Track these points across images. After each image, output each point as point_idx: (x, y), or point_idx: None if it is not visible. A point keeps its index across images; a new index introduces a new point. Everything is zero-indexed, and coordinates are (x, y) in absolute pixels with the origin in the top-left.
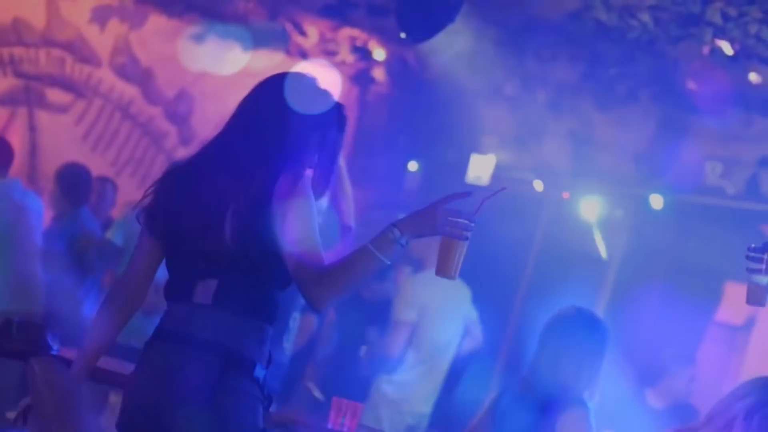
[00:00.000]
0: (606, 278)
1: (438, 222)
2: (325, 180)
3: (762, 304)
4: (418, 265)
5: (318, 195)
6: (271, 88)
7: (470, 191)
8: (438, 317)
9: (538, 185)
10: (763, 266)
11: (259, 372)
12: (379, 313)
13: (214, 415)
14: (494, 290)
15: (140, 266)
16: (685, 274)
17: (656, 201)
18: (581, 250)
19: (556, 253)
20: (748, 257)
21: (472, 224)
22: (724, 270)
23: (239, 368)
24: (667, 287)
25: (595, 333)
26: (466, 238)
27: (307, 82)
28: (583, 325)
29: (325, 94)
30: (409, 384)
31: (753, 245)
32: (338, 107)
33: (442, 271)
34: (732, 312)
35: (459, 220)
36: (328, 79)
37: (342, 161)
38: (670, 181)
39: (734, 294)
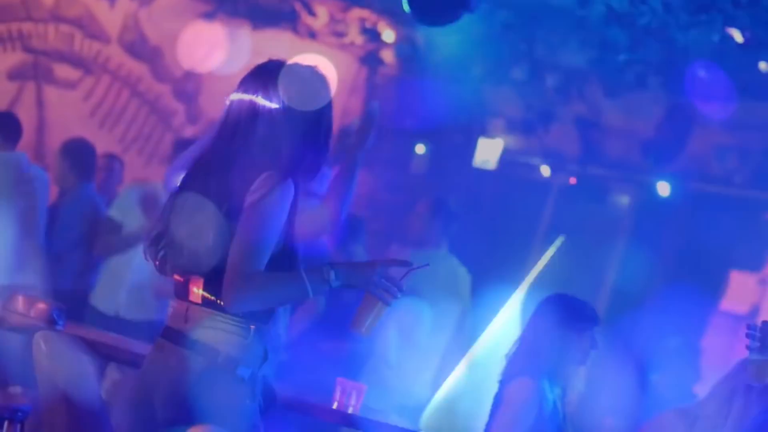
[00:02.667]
0: (612, 264)
1: (371, 281)
2: (312, 172)
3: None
4: (414, 244)
5: (305, 185)
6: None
7: (427, 264)
8: (430, 299)
9: (545, 170)
10: (758, 344)
11: (243, 371)
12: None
13: (196, 414)
14: (499, 275)
15: None
16: (690, 262)
17: (663, 188)
18: (588, 235)
19: (565, 244)
20: (746, 335)
21: (400, 294)
22: (729, 259)
23: (221, 367)
24: (672, 275)
25: (568, 319)
26: (389, 304)
27: (302, 73)
28: (556, 309)
29: (320, 87)
30: (404, 366)
31: (750, 323)
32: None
33: (355, 325)
34: (737, 301)
35: (390, 286)
36: (325, 65)
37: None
38: (678, 168)
39: (739, 283)
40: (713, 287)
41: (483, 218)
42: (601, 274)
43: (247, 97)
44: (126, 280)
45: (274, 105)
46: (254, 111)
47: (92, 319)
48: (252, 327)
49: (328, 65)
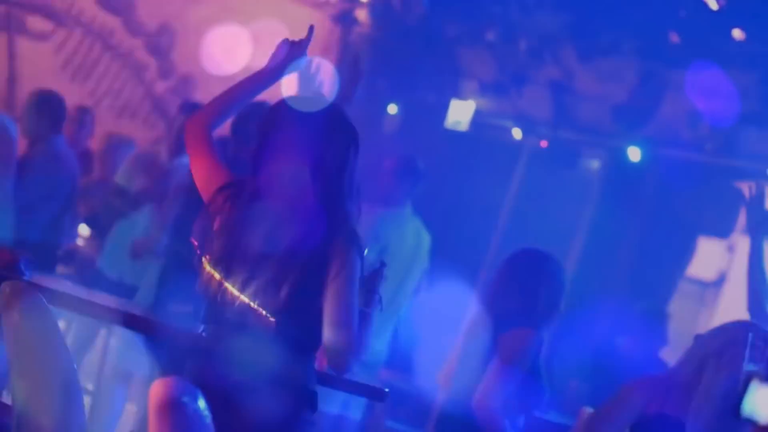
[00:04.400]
0: (581, 228)
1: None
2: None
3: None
4: (380, 203)
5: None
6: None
7: None
8: (395, 258)
9: (517, 133)
10: (758, 354)
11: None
12: None
13: None
14: (467, 238)
15: None
16: (659, 228)
17: (634, 153)
18: (558, 198)
19: (533, 201)
20: (750, 344)
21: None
22: (698, 225)
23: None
24: (640, 240)
25: (542, 269)
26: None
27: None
28: (529, 260)
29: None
30: None
31: (759, 331)
32: None
33: None
34: (704, 267)
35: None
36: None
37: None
38: (649, 134)
39: (707, 249)
40: (681, 253)
41: (452, 180)
42: (570, 238)
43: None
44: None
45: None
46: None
47: (98, 283)
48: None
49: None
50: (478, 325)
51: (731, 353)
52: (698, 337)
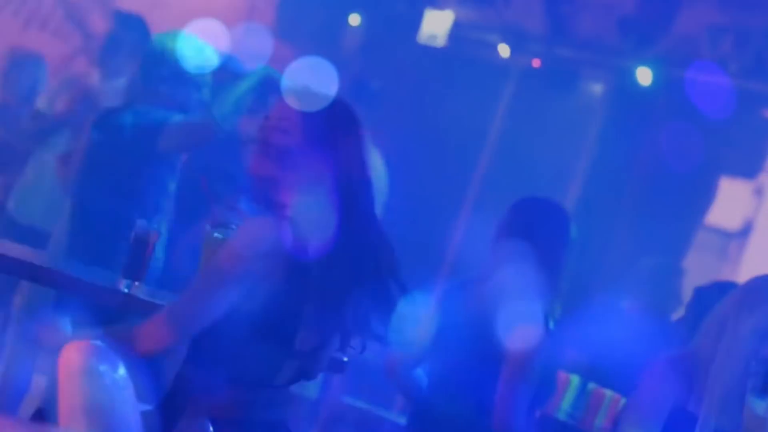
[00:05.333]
0: (579, 166)
1: None
2: None
3: None
4: None
5: None
6: None
7: None
8: None
9: (504, 50)
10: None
11: None
12: None
13: None
14: (442, 178)
15: None
16: (672, 167)
17: (644, 75)
18: (552, 130)
19: (522, 133)
20: (751, 372)
21: None
22: (720, 163)
23: None
24: (650, 182)
25: (555, 219)
26: None
27: None
28: (542, 210)
29: None
30: None
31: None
32: None
33: None
34: (726, 214)
35: None
36: None
37: None
38: (663, 52)
39: (730, 193)
40: (699, 198)
41: (424, 110)
42: (566, 178)
43: None
44: (44, 186)
45: None
46: None
47: (6, 229)
48: None
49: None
50: (469, 300)
51: (758, 314)
52: (699, 291)
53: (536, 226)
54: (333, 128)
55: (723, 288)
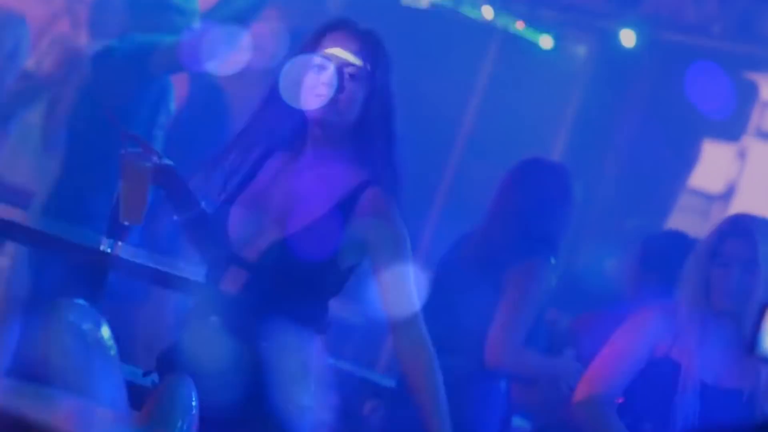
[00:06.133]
0: (562, 129)
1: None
2: None
3: None
4: None
5: None
6: None
7: None
8: None
9: (487, 12)
10: None
11: None
12: None
13: None
14: (425, 142)
15: None
16: (656, 129)
17: (628, 37)
18: (535, 93)
19: (505, 96)
20: None
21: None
22: (703, 125)
23: None
24: (633, 143)
25: (560, 180)
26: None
27: None
28: (546, 171)
29: None
30: None
31: None
32: None
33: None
34: (710, 176)
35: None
36: None
37: None
38: (646, 14)
39: (713, 155)
40: (683, 160)
41: (408, 69)
42: (549, 140)
43: None
44: (29, 147)
45: None
46: None
47: None
48: None
49: None
50: (466, 256)
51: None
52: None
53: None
54: None
55: (672, 237)
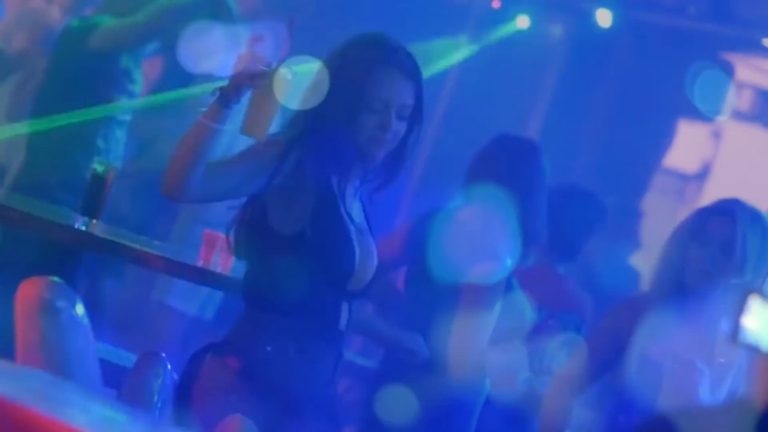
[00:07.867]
0: (537, 108)
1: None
2: None
3: None
4: None
5: None
6: None
7: None
8: None
9: None
10: None
11: None
12: None
13: None
14: None
15: None
16: (631, 109)
17: (603, 17)
18: (510, 72)
19: (479, 75)
20: None
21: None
22: (678, 105)
23: None
24: (608, 122)
25: (534, 158)
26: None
27: None
28: (521, 149)
29: None
30: None
31: None
32: None
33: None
34: (685, 156)
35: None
36: None
37: None
38: None
39: (688, 135)
40: (657, 139)
41: None
42: (524, 120)
43: None
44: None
45: None
46: None
47: None
48: None
49: None
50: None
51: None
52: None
53: (513, 168)
54: None
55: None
